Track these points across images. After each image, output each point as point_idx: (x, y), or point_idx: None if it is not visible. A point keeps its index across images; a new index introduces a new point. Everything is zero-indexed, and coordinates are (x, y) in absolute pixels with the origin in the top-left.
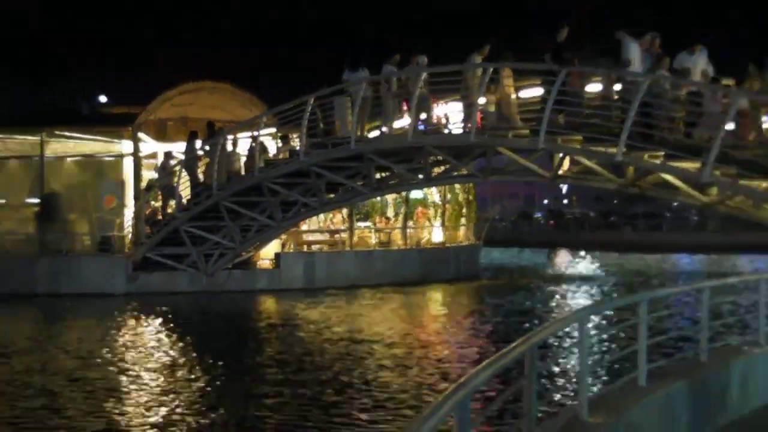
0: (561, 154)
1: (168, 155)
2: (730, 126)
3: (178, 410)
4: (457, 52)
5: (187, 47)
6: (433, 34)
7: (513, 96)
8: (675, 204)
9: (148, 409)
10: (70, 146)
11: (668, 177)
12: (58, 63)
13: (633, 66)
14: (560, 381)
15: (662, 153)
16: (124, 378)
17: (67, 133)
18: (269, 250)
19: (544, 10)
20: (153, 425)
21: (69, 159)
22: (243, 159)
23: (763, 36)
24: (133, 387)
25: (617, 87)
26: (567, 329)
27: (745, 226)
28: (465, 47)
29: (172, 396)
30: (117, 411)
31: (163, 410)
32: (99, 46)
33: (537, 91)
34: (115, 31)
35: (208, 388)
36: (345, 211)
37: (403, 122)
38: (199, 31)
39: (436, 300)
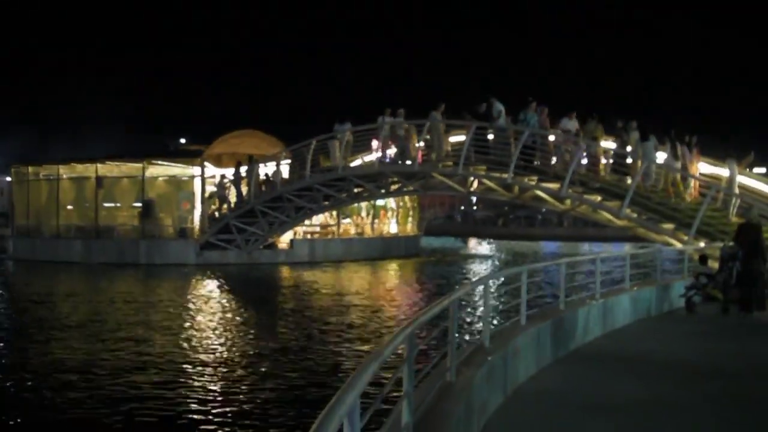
0: (472, 177)
1: (223, 177)
2: (584, 161)
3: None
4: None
5: (237, 100)
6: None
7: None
8: (544, 210)
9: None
10: (161, 170)
11: (539, 193)
12: (155, 115)
13: (500, 119)
14: (474, 322)
15: (536, 177)
16: (193, 316)
17: (159, 162)
18: (286, 237)
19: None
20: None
21: (160, 178)
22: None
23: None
24: (198, 320)
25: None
26: (476, 289)
27: (588, 224)
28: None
29: (224, 324)
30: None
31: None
32: (180, 101)
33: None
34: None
35: (248, 323)
36: (335, 212)
37: (372, 156)
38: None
39: (392, 269)
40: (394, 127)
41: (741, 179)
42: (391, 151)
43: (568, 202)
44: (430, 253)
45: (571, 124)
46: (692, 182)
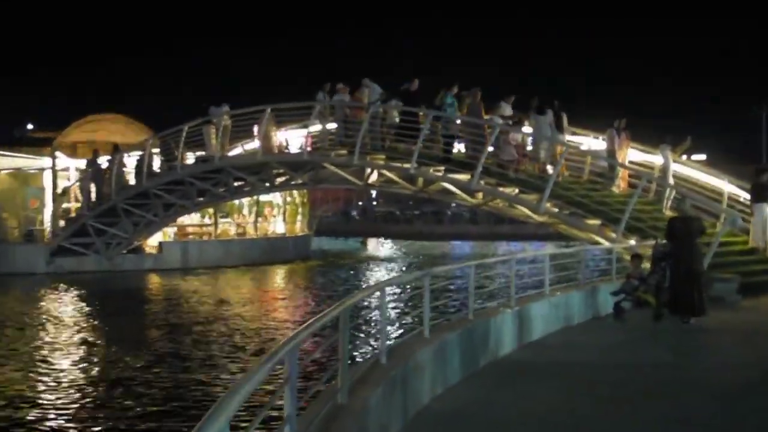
0: (369, 168)
1: (87, 165)
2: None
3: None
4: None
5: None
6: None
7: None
8: (453, 204)
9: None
10: (3, 161)
11: (447, 185)
12: None
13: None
14: (370, 335)
15: (443, 168)
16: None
17: (1, 152)
18: (155, 239)
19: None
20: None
21: (2, 171)
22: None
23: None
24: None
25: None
26: (373, 296)
27: (504, 221)
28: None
29: (82, 335)
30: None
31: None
32: (26, 83)
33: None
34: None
35: (104, 341)
36: (211, 210)
37: (255, 144)
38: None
39: (279, 275)
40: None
41: (676, 168)
42: (316, 128)
43: (480, 195)
44: (323, 256)
45: (508, 109)
46: (621, 171)
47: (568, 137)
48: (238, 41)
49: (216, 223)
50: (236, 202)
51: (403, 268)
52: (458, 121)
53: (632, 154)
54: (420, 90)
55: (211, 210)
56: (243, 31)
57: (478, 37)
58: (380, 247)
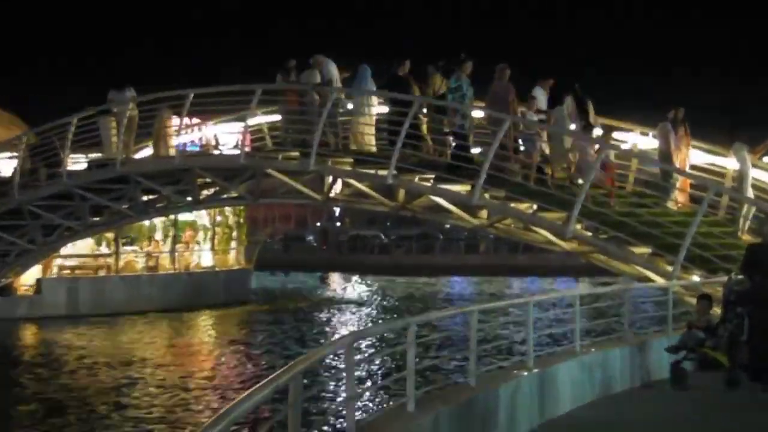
0: (331, 177)
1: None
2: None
3: None
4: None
5: None
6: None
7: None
8: (447, 226)
9: None
10: None
11: (438, 199)
12: None
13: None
14: (331, 406)
15: (433, 176)
16: None
17: None
18: (30, 275)
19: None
20: None
21: None
22: None
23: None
24: None
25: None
26: (336, 354)
27: (516, 248)
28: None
29: None
30: None
31: None
32: None
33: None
34: None
35: None
36: (111, 234)
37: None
38: None
39: (204, 325)
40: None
41: (757, 175)
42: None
43: (484, 213)
44: (267, 297)
45: (543, 98)
46: (679, 180)
47: (598, 132)
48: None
49: (117, 254)
50: (146, 223)
51: (379, 315)
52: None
53: (694, 157)
54: (412, 74)
55: (110, 235)
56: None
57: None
58: (347, 285)
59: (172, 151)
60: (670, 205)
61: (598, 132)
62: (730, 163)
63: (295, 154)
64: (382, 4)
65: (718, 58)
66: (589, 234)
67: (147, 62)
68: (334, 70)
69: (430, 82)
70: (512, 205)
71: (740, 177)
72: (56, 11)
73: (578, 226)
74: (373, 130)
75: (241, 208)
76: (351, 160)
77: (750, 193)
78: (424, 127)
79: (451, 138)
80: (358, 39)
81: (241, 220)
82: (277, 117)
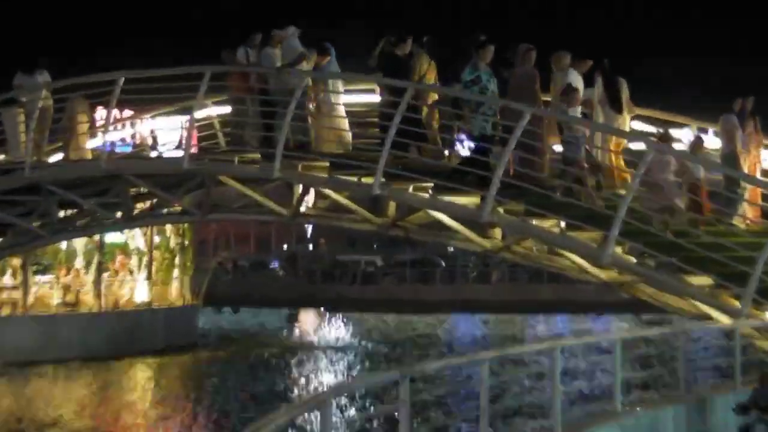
0: (302, 186)
1: None
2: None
3: None
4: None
5: None
6: None
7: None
8: (450, 249)
9: None
10: None
11: (440, 215)
12: None
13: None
14: None
15: (431, 183)
16: None
17: None
18: None
19: None
20: None
21: None
22: None
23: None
24: None
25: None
26: (309, 418)
27: (538, 278)
28: None
29: None
30: None
31: None
32: None
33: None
34: None
35: None
36: (17, 261)
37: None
38: None
39: (138, 378)
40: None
41: None
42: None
43: (497, 233)
44: (219, 341)
45: (581, 84)
46: (748, 191)
47: (637, 125)
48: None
49: (26, 285)
50: (63, 246)
51: (364, 364)
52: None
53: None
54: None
55: (16, 261)
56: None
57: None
58: (321, 324)
59: (86, 154)
60: (738, 222)
61: (633, 126)
62: None
63: (256, 156)
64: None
65: None
66: (633, 260)
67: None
68: (300, 48)
69: (413, 64)
70: (534, 221)
71: None
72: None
73: (618, 250)
74: (346, 125)
75: (186, 226)
76: (327, 164)
77: None
78: (434, 124)
79: (464, 144)
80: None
81: (186, 243)
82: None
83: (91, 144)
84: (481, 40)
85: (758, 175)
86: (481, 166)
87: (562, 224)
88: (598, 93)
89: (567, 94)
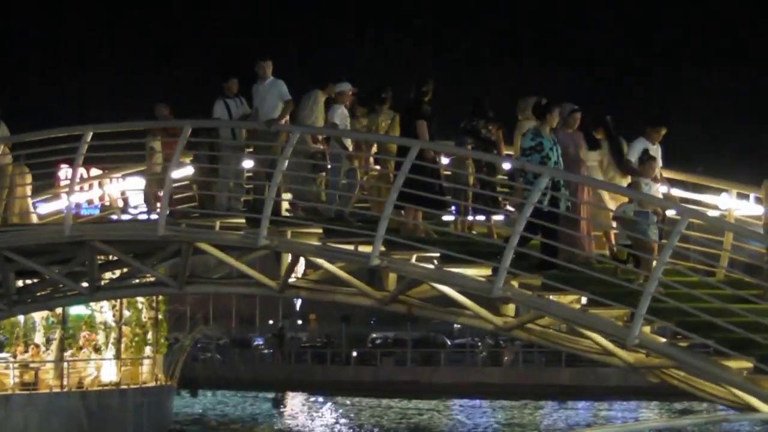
0: (292, 255)
1: None
2: None
3: None
4: None
5: None
6: None
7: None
8: (457, 327)
9: None
10: None
11: (446, 289)
12: None
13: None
14: None
15: (437, 254)
16: None
17: None
18: None
19: None
20: None
21: None
22: None
23: None
24: None
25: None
26: None
27: (556, 360)
28: None
29: None
30: None
31: None
32: None
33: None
34: None
35: None
36: None
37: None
38: None
39: None
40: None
41: None
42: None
43: (510, 309)
44: (195, 430)
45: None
46: None
47: (666, 190)
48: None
49: None
50: (20, 320)
51: None
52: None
53: None
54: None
55: None
56: None
57: None
58: (311, 410)
59: (32, 217)
60: None
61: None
62: None
63: (240, 221)
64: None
65: None
66: (663, 340)
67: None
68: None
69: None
70: (551, 297)
71: None
72: None
73: (647, 329)
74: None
75: (161, 299)
76: (320, 230)
77: None
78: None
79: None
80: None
81: (160, 317)
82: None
83: (51, 206)
84: (545, 105)
85: None
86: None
87: (584, 300)
88: (602, 157)
89: (643, 163)
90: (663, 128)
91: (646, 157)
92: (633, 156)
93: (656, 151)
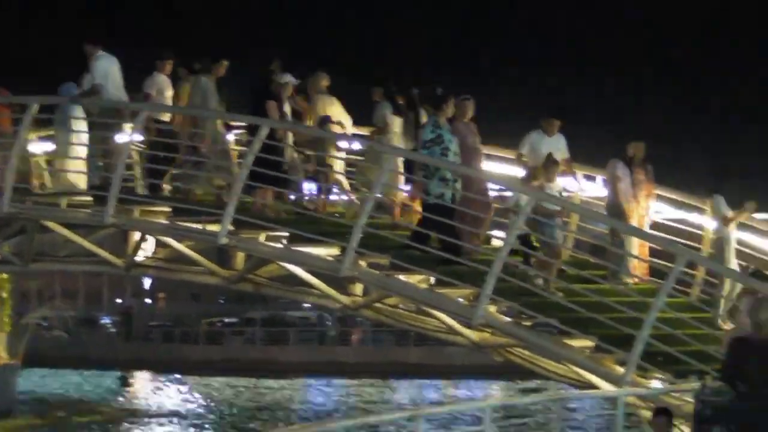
0: (139, 234)
1: None
2: None
3: None
4: None
5: None
6: None
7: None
8: (307, 306)
9: None
10: None
11: (294, 268)
12: None
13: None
14: None
15: (287, 234)
16: None
17: None
18: None
19: None
20: None
21: None
22: None
23: None
24: None
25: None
26: None
27: (405, 339)
28: None
29: None
30: None
31: None
32: None
33: None
34: None
35: None
36: None
37: None
38: None
39: None
40: None
41: (744, 239)
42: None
43: (359, 288)
44: (41, 408)
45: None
46: (637, 245)
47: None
48: None
49: None
50: None
51: None
52: None
53: (659, 211)
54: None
55: None
56: None
57: None
58: (159, 389)
59: None
60: (626, 279)
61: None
62: (708, 222)
63: (87, 198)
64: None
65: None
66: (508, 320)
67: None
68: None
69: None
70: (400, 277)
71: (720, 241)
72: None
73: (492, 309)
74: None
75: (5, 277)
76: (168, 208)
77: (734, 264)
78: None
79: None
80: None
81: (4, 295)
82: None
83: None
84: (441, 95)
85: (646, 228)
86: (450, 247)
87: (432, 280)
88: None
89: (547, 168)
90: (556, 120)
91: (549, 163)
92: (523, 149)
93: (556, 142)
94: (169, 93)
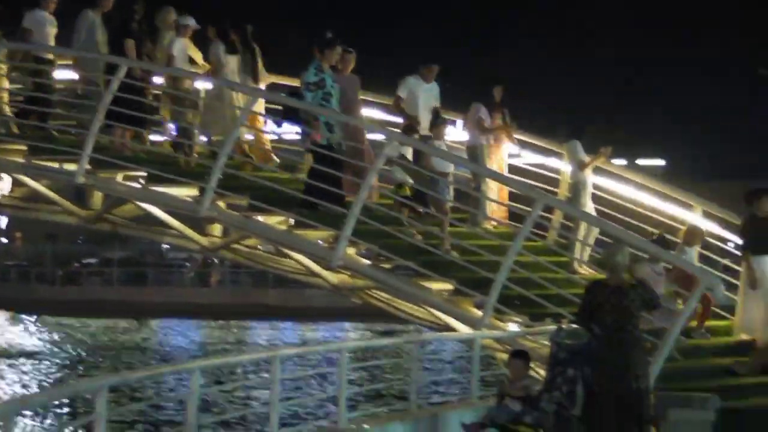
0: None
1: None
2: None
3: None
4: None
5: None
6: None
7: None
8: (165, 247)
9: None
10: None
11: (152, 208)
12: None
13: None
14: None
15: (144, 173)
16: None
17: None
18: None
19: None
20: None
21: None
22: None
23: None
24: None
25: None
26: None
27: (263, 281)
28: None
29: None
30: None
31: None
32: None
33: None
34: None
35: None
36: None
37: None
38: None
39: None
40: None
41: (600, 183)
42: None
43: (217, 229)
44: None
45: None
46: (495, 188)
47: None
48: None
49: None
50: None
51: (61, 373)
52: None
53: (517, 155)
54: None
55: None
56: None
57: None
58: (13, 329)
59: None
60: (485, 223)
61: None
62: (565, 166)
63: None
64: None
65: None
66: (366, 262)
67: None
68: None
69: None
70: (259, 218)
71: (576, 186)
72: None
73: (351, 251)
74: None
75: None
76: (25, 146)
77: (591, 208)
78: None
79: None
80: None
81: None
82: None
83: None
84: (328, 39)
85: (505, 172)
86: (331, 194)
87: (291, 221)
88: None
89: (436, 126)
90: (435, 66)
91: (439, 121)
92: (402, 92)
93: (431, 89)
94: (51, 30)
